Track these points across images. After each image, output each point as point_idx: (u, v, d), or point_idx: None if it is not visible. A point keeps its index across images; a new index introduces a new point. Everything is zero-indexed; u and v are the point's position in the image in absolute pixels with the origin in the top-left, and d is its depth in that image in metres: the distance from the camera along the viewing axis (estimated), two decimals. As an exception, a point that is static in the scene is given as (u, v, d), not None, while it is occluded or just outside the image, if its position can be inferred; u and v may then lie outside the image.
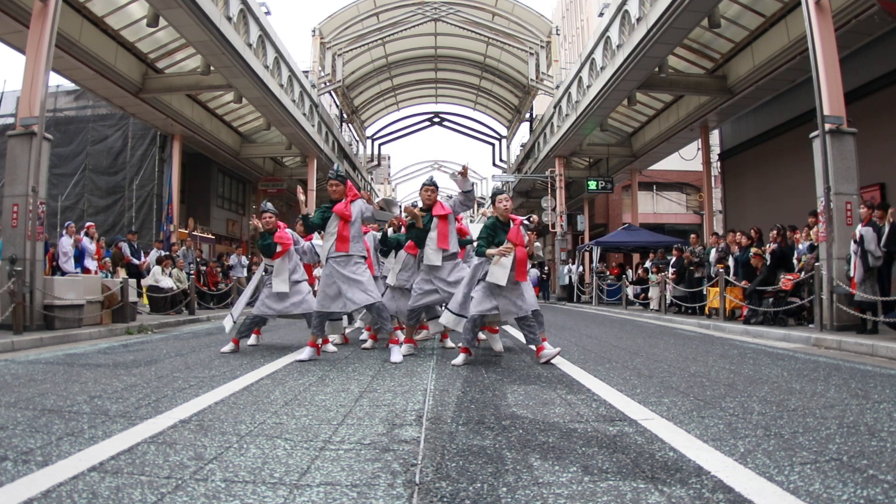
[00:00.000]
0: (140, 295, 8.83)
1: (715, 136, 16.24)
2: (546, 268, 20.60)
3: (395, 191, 52.39)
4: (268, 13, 13.49)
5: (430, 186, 4.52)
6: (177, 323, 8.03)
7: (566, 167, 19.22)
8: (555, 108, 18.62)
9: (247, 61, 11.55)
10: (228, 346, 4.66)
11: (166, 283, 9.01)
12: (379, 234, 5.38)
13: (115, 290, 7.06)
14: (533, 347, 4.10)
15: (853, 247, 5.64)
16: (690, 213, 24.29)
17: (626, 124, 17.77)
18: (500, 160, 30.39)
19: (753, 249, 7.43)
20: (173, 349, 5.00)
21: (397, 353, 4.09)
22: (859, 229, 5.63)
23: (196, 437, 2.09)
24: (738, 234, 8.36)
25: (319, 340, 4.32)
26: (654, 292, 11.43)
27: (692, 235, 11.46)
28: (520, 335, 5.12)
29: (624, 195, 23.55)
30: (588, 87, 14.72)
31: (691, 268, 9.53)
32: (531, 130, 24.29)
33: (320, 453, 1.89)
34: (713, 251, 9.22)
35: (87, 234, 8.52)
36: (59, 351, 4.93)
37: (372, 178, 33.87)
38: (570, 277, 17.56)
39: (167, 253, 10.28)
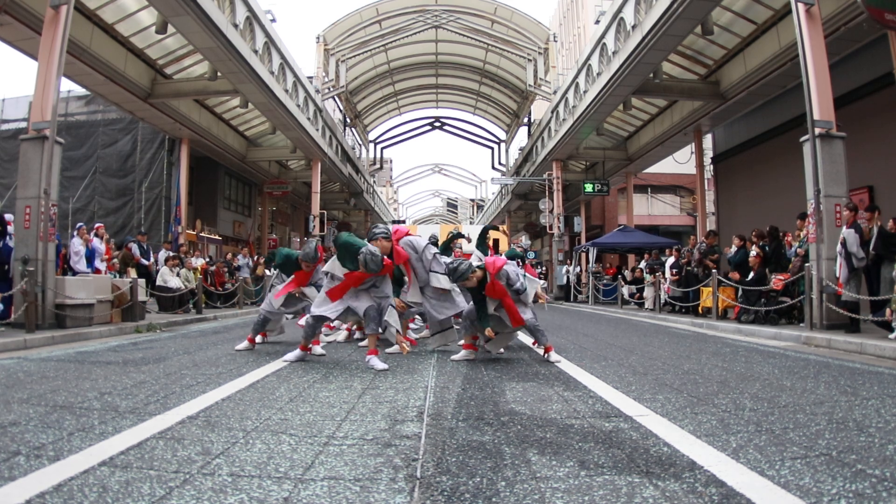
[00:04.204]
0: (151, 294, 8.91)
1: (708, 140, 16.42)
2: (544, 268, 20.71)
3: (398, 193, 52.56)
4: (273, 20, 13.65)
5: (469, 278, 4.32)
6: (185, 322, 8.08)
7: (563, 170, 19.36)
8: (552, 112, 18.76)
9: (253, 67, 11.67)
10: (243, 344, 4.74)
11: (174, 282, 9.07)
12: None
13: (124, 289, 7.13)
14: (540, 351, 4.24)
15: (839, 248, 5.75)
16: (684, 215, 24.50)
17: (622, 128, 17.92)
18: (500, 163, 30.63)
19: (756, 250, 7.54)
20: (181, 347, 5.03)
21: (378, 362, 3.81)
22: (843, 231, 5.74)
23: (203, 432, 2.12)
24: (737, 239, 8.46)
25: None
26: (648, 292, 11.54)
27: (691, 238, 11.60)
28: (520, 335, 5.20)
29: (619, 197, 23.74)
30: (585, 92, 14.85)
31: (688, 268, 9.63)
32: (529, 134, 24.44)
33: (324, 448, 1.93)
34: (696, 250, 9.35)
35: (96, 235, 8.60)
36: (70, 349, 4.96)
37: (374, 181, 34.00)
38: (568, 277, 17.68)
39: (175, 253, 10.40)
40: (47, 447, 1.90)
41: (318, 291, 4.48)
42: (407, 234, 4.75)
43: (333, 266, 4.00)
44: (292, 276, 4.65)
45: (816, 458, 1.80)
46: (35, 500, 1.46)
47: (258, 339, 5.13)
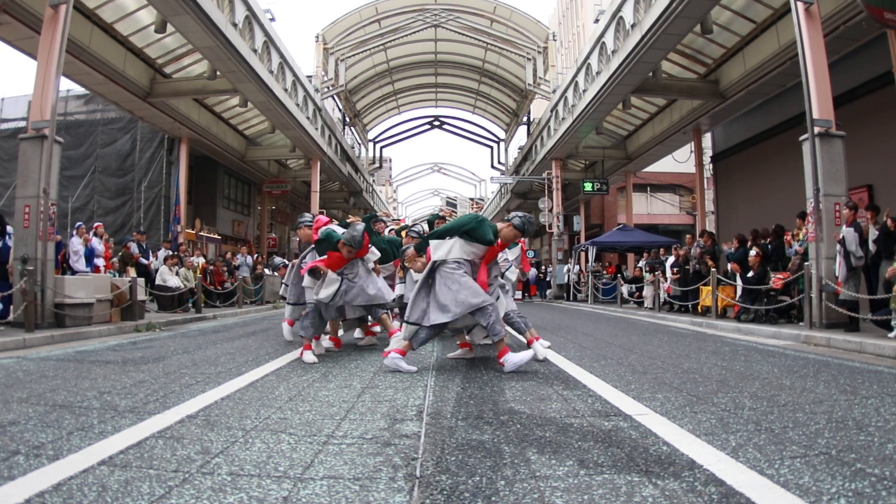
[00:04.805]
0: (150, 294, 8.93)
1: (707, 139, 16.43)
2: (543, 267, 20.76)
3: (397, 192, 52.55)
4: (272, 19, 13.67)
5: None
6: (184, 321, 8.08)
7: (563, 169, 19.38)
8: (551, 111, 18.76)
9: (252, 66, 11.68)
10: (325, 343, 4.48)
11: (173, 281, 9.08)
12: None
13: (123, 288, 7.14)
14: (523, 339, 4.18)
15: (838, 247, 5.76)
16: (683, 214, 24.53)
17: (621, 127, 17.93)
18: (499, 162, 30.65)
19: (756, 249, 7.55)
20: (180, 346, 5.04)
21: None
22: (843, 230, 5.75)
23: (203, 431, 2.12)
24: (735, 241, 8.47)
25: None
26: (648, 291, 11.54)
27: (688, 236, 11.61)
28: (518, 336, 5.19)
29: (619, 196, 23.77)
30: (584, 91, 14.85)
31: (687, 266, 9.64)
32: (528, 134, 24.45)
33: (324, 447, 1.93)
34: (695, 248, 9.36)
35: (95, 234, 8.60)
36: (69, 348, 4.96)
37: (374, 180, 34.02)
38: (567, 276, 17.72)
39: (175, 252, 10.40)
40: (47, 446, 1.90)
41: (340, 286, 4.19)
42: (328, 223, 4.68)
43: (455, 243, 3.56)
44: (325, 256, 4.27)
45: (816, 456, 1.80)
46: (35, 499, 1.46)
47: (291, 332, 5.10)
